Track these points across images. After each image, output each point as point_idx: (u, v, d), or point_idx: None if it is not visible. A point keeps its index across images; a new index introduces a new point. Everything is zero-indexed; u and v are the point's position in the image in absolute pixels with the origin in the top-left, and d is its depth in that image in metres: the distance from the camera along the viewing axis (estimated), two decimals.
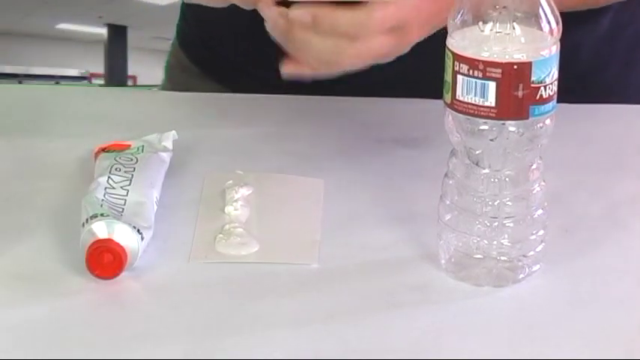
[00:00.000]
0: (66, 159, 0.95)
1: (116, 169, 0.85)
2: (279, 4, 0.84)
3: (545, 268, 0.77)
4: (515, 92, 0.71)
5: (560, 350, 0.69)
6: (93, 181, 0.84)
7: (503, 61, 0.70)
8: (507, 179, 0.74)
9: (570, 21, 0.75)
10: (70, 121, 1.05)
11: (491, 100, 0.71)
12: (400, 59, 0.90)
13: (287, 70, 0.84)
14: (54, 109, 1.08)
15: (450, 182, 0.76)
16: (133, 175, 0.85)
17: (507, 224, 0.75)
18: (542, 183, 0.76)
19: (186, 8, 1.19)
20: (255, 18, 0.87)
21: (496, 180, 0.74)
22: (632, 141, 1.00)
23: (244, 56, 1.12)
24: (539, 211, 0.76)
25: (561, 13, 0.72)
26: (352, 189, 0.89)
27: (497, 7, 0.70)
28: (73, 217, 0.80)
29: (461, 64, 0.71)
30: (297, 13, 0.82)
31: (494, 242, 0.75)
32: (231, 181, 0.89)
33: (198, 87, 1.13)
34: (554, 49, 0.71)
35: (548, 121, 0.73)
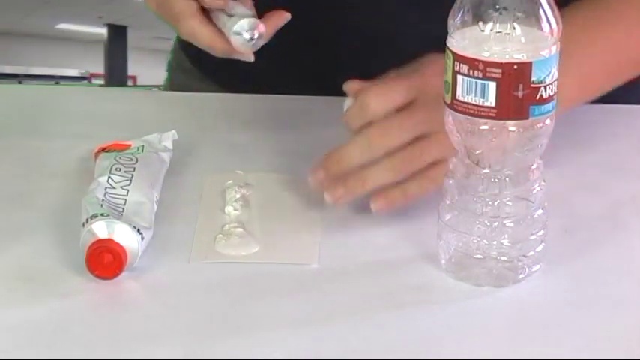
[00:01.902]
0: (66, 159, 0.95)
1: (116, 169, 0.85)
2: None
3: (545, 268, 0.77)
4: (515, 92, 0.71)
5: (560, 350, 0.69)
6: (93, 181, 0.84)
7: (504, 61, 0.70)
8: (507, 179, 0.74)
9: None
10: (70, 121, 1.05)
11: (491, 100, 0.71)
12: (400, 59, 0.90)
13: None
14: (54, 109, 1.08)
15: (450, 182, 0.76)
16: (133, 175, 0.85)
17: (507, 224, 0.75)
18: (542, 183, 0.76)
19: None
20: None
21: (496, 180, 0.74)
22: (632, 141, 1.00)
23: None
24: (539, 211, 0.76)
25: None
26: None
27: (497, 7, 0.70)
28: (73, 217, 0.80)
29: (461, 64, 0.71)
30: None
31: (495, 242, 0.75)
32: (231, 181, 0.89)
33: (198, 89, 1.13)
34: (554, 49, 0.71)
35: (548, 121, 0.73)
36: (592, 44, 0.88)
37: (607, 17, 0.89)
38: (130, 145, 0.91)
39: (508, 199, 0.74)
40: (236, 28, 0.82)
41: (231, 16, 0.83)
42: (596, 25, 0.89)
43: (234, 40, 0.82)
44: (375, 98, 0.82)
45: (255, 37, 0.82)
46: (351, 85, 0.85)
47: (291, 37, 0.88)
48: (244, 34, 0.82)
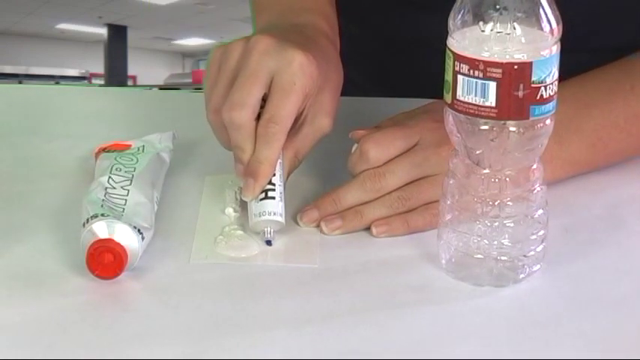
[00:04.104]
0: (66, 159, 0.95)
1: (117, 169, 0.85)
2: None
3: (545, 268, 0.77)
4: (515, 92, 0.71)
5: (560, 350, 0.69)
6: (93, 181, 0.84)
7: (504, 61, 0.70)
8: (508, 179, 0.74)
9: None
10: (70, 121, 1.05)
11: (491, 100, 0.71)
12: (401, 59, 0.90)
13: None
14: (54, 109, 1.08)
15: (451, 182, 0.76)
16: (133, 175, 0.85)
17: (508, 224, 0.75)
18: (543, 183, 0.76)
19: None
20: None
21: (496, 180, 0.74)
22: None
23: None
24: (540, 211, 0.76)
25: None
26: None
27: (497, 7, 0.70)
28: (73, 217, 0.80)
29: (461, 64, 0.71)
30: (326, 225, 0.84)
31: (495, 242, 0.75)
32: (230, 182, 0.89)
33: None
34: (555, 49, 0.71)
35: (548, 121, 0.73)
36: (612, 111, 0.88)
37: (629, 84, 0.90)
38: (130, 145, 0.91)
39: (508, 199, 0.74)
40: (257, 225, 0.82)
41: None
42: (617, 91, 0.89)
43: (254, 224, 0.82)
44: (374, 146, 0.84)
45: (272, 240, 0.82)
46: (356, 132, 0.86)
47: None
48: (267, 234, 0.81)
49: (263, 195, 0.82)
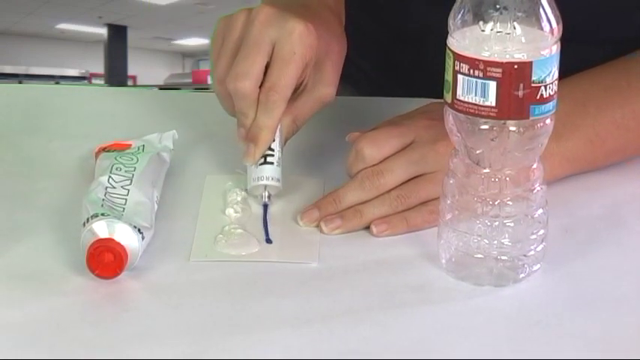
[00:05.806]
0: (66, 159, 0.95)
1: (117, 169, 0.85)
2: None
3: (546, 268, 0.77)
4: (515, 92, 0.70)
5: (560, 350, 0.69)
6: (93, 181, 0.84)
7: (504, 60, 0.70)
8: (508, 179, 0.74)
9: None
10: (70, 121, 1.05)
11: (491, 100, 0.71)
12: (408, 51, 0.90)
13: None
14: (54, 109, 1.08)
15: (451, 182, 0.76)
16: (133, 174, 0.85)
17: (508, 224, 0.74)
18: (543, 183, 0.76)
19: None
20: None
21: (497, 179, 0.74)
22: None
23: None
24: (540, 211, 0.76)
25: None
26: None
27: (497, 6, 0.70)
28: (73, 217, 0.80)
29: (461, 64, 0.71)
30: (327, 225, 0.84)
31: (495, 242, 0.75)
32: (231, 182, 0.89)
33: None
34: (555, 49, 0.71)
35: (548, 121, 0.73)
36: (608, 107, 0.88)
37: (625, 80, 0.90)
38: (130, 145, 0.91)
39: (508, 198, 0.74)
40: (255, 189, 0.86)
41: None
42: (613, 88, 0.89)
43: (252, 188, 0.86)
44: (369, 145, 0.84)
45: (268, 202, 0.85)
46: (352, 135, 0.87)
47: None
48: (264, 198, 0.85)
49: (262, 160, 0.85)
